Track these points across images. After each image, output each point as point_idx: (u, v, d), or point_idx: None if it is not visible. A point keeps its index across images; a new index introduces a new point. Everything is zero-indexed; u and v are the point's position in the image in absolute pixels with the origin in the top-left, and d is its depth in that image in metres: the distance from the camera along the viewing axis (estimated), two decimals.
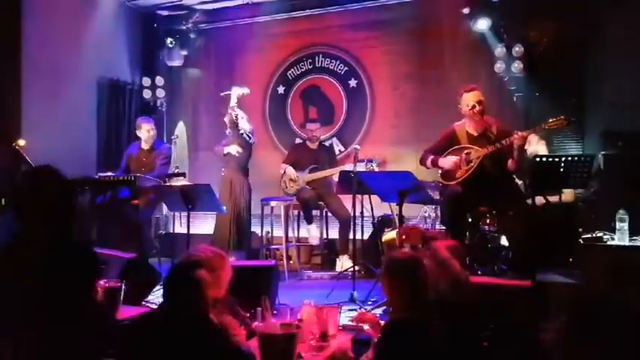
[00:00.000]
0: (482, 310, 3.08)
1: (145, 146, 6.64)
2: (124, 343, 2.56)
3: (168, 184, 5.95)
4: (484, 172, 4.88)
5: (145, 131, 6.62)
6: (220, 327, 2.54)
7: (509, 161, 4.79)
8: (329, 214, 6.96)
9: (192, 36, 8.56)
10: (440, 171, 5.13)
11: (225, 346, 2.46)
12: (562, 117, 4.66)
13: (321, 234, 7.05)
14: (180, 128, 8.64)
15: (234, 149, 6.39)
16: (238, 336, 2.79)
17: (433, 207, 6.14)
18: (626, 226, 4.57)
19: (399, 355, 2.55)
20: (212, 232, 6.43)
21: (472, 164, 4.91)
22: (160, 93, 8.39)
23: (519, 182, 5.28)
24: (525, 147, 4.92)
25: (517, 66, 6.75)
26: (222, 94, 6.79)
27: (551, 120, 4.69)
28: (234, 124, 6.43)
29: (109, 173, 6.32)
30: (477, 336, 2.92)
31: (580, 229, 5.17)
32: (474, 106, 4.94)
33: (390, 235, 5.98)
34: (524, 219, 4.79)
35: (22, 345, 2.28)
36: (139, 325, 2.63)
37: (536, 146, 5.75)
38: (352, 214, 5.55)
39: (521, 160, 4.80)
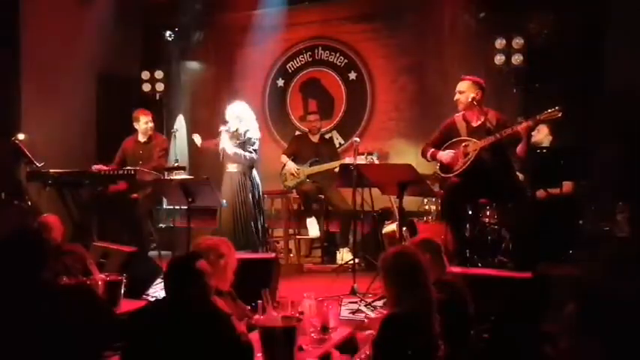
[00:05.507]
0: (477, 302, 3.08)
1: (142, 139, 6.57)
2: (126, 335, 2.56)
3: (168, 177, 5.93)
4: (482, 164, 4.85)
5: (143, 123, 6.51)
6: (225, 316, 2.53)
7: (519, 147, 4.76)
8: (329, 207, 6.96)
9: (191, 29, 8.52)
10: (438, 164, 5.13)
11: (227, 336, 2.46)
12: (556, 108, 4.64)
13: (322, 227, 7.03)
14: (180, 121, 8.57)
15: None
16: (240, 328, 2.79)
17: (433, 200, 6.13)
18: (626, 217, 4.58)
19: (396, 349, 2.56)
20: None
21: (469, 156, 4.89)
22: (160, 86, 8.34)
23: (520, 175, 5.28)
24: (533, 134, 4.90)
25: (517, 58, 6.74)
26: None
27: (545, 112, 4.67)
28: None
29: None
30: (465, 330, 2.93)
31: (580, 221, 5.17)
32: (458, 95, 4.96)
33: (390, 227, 5.98)
34: (524, 211, 4.78)
35: None
36: (142, 317, 2.62)
37: (542, 136, 5.70)
38: (353, 207, 5.53)
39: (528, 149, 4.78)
